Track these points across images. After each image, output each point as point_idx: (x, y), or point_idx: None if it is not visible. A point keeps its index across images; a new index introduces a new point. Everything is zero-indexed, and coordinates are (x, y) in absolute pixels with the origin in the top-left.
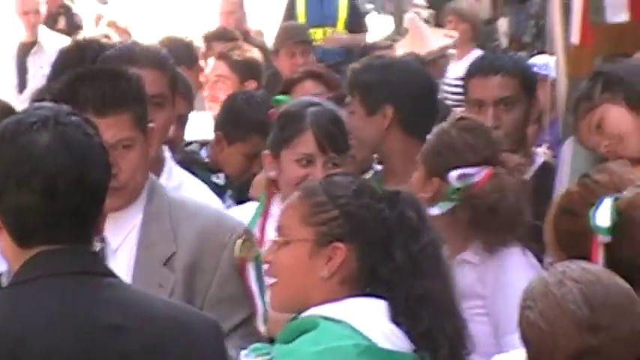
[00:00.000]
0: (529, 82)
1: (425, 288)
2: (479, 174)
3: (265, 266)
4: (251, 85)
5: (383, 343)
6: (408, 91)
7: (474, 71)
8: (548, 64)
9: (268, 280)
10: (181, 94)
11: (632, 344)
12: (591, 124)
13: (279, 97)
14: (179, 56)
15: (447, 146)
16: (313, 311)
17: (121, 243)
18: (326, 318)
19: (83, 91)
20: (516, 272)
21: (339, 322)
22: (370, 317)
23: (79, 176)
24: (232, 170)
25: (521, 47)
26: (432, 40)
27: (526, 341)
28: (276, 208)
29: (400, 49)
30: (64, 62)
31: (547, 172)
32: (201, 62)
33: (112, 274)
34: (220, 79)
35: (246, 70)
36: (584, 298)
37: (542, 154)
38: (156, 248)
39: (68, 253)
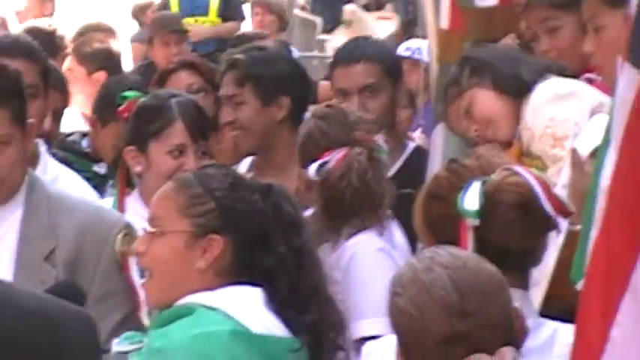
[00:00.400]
0: (393, 68)
1: (312, 280)
2: (333, 159)
3: (136, 259)
4: (100, 76)
5: (259, 329)
6: (302, 83)
7: (337, 60)
8: (421, 47)
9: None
10: (55, 88)
11: (500, 329)
12: (460, 109)
13: (127, 93)
14: (42, 45)
15: (307, 136)
16: (188, 299)
17: (1, 238)
18: (201, 305)
19: None
20: (364, 259)
21: (213, 309)
22: (245, 304)
23: None
24: (110, 154)
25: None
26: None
27: (396, 327)
28: (133, 203)
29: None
30: None
31: (419, 156)
32: None
33: None
34: (69, 72)
35: (94, 61)
36: (452, 284)
37: (417, 139)
38: (36, 243)
39: None
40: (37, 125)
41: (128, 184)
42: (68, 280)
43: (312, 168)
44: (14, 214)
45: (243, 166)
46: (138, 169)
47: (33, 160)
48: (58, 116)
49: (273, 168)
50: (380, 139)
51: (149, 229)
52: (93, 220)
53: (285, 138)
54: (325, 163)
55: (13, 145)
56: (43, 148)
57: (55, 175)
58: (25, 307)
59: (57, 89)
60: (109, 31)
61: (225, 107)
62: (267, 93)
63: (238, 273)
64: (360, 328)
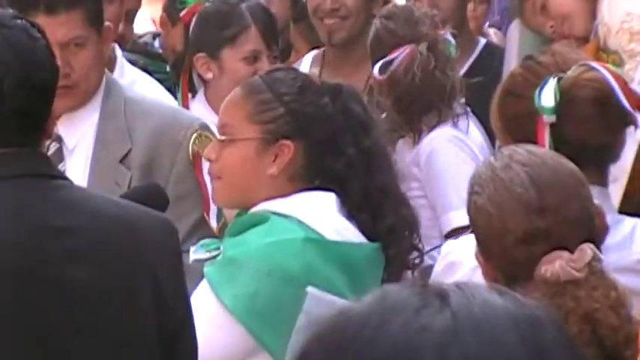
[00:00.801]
0: None
1: (383, 182)
2: (400, 55)
3: (207, 165)
4: None
5: (332, 235)
6: None
7: None
8: None
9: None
10: None
11: (579, 225)
12: (536, 5)
13: None
14: None
15: (375, 37)
16: (262, 206)
17: (78, 142)
18: (275, 213)
19: None
20: (444, 151)
21: (288, 216)
22: (319, 211)
23: (25, 78)
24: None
25: None
26: None
27: (475, 226)
28: (198, 108)
29: None
30: None
31: (490, 53)
32: None
33: (62, 176)
34: None
35: None
36: (531, 181)
37: (492, 35)
38: (112, 146)
39: (16, 155)
40: (112, 29)
41: (190, 88)
42: (152, 183)
43: (376, 67)
44: (91, 117)
45: (306, 62)
46: (209, 75)
47: (110, 64)
48: (131, 19)
49: (352, 63)
50: (447, 33)
51: (219, 136)
52: (168, 122)
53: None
54: (392, 60)
55: (88, 47)
56: (119, 52)
57: (131, 79)
58: (105, 213)
59: None
60: None
61: None
62: None
63: (311, 178)
64: (452, 219)
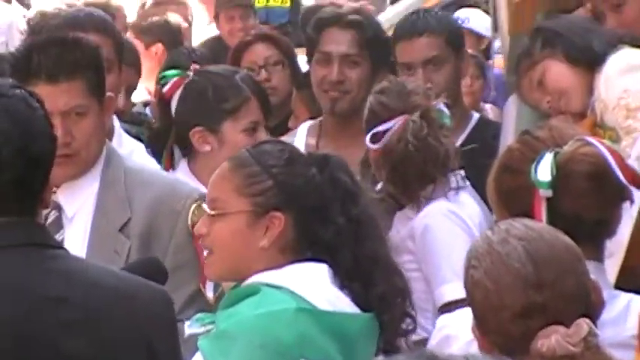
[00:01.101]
0: (455, 38)
1: (372, 250)
2: (394, 126)
3: (199, 239)
4: (158, 47)
5: (325, 306)
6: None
7: (400, 35)
8: (469, 17)
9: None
10: (129, 63)
11: (576, 300)
12: (532, 80)
13: (167, 72)
14: None
15: (369, 112)
16: (255, 279)
17: (77, 211)
18: (267, 284)
19: (37, 58)
20: (439, 226)
21: (280, 287)
22: (311, 281)
23: (23, 147)
24: None
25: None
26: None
27: (472, 300)
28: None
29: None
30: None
31: (484, 127)
32: None
33: (58, 246)
34: None
35: (149, 33)
36: (528, 256)
37: (489, 110)
38: (111, 215)
39: (13, 225)
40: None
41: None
42: (152, 257)
43: (368, 137)
44: (91, 186)
45: (302, 132)
46: (207, 148)
47: (108, 134)
48: (130, 92)
49: (350, 134)
50: (440, 103)
51: (209, 211)
52: (167, 192)
53: None
54: (385, 131)
55: (90, 116)
56: (117, 122)
57: (130, 149)
58: (102, 284)
59: (130, 65)
60: (178, 4)
61: (331, 65)
62: (380, 58)
63: (302, 249)
64: (444, 293)
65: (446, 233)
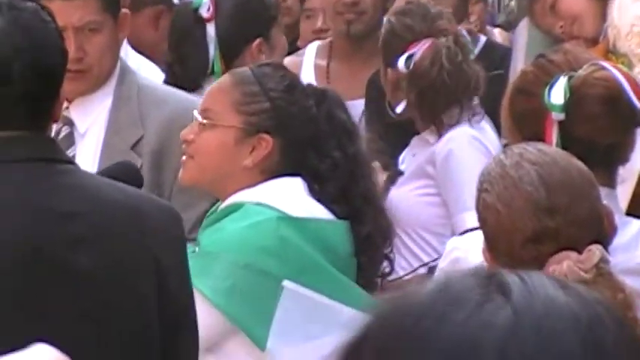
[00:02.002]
0: None
1: (365, 189)
2: (420, 49)
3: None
4: None
5: (302, 214)
6: None
7: None
8: None
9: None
10: None
11: (588, 226)
12: (546, 5)
13: None
14: None
15: (389, 33)
16: (233, 199)
17: (89, 127)
18: (247, 202)
19: None
20: (462, 152)
21: (259, 204)
22: (288, 194)
23: (33, 60)
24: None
25: None
26: None
27: (484, 223)
28: None
29: None
30: None
31: (490, 50)
32: None
33: (68, 161)
34: None
35: None
36: (541, 180)
37: (497, 34)
38: (124, 132)
39: (23, 139)
40: None
41: None
42: (126, 161)
43: (402, 60)
44: (104, 102)
45: (310, 52)
46: (263, 58)
47: None
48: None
49: (362, 56)
50: (462, 29)
51: (201, 119)
52: (181, 111)
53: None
54: (412, 55)
55: (103, 32)
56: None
57: (137, 65)
58: (112, 200)
59: None
60: None
61: None
62: None
63: (283, 173)
64: (466, 219)
65: (469, 160)
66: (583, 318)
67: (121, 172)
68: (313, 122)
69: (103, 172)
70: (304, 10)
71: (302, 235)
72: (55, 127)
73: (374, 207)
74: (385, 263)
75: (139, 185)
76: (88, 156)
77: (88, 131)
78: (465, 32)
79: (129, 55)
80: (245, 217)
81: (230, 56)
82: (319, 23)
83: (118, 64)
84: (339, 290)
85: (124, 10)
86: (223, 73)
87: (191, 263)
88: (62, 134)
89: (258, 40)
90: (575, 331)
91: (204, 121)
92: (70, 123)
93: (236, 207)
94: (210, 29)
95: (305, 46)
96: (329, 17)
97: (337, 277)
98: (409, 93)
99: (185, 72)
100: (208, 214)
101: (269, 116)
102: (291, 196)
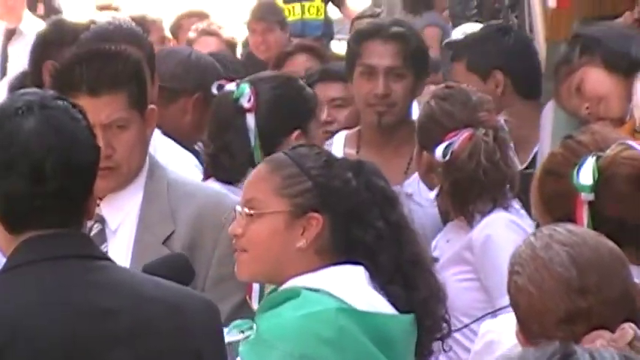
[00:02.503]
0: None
1: (413, 253)
2: (459, 139)
3: (233, 240)
4: None
5: (364, 307)
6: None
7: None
8: None
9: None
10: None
11: (620, 305)
12: (571, 87)
13: (241, 86)
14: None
15: (427, 117)
16: (293, 282)
17: (121, 223)
18: (306, 288)
19: (79, 71)
20: (501, 237)
21: (318, 290)
22: (350, 284)
23: (66, 158)
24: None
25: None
26: None
27: (516, 306)
28: None
29: None
30: (42, 44)
31: None
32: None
33: (104, 257)
34: None
35: None
36: (571, 260)
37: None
38: (155, 228)
39: (59, 237)
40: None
41: None
42: (176, 254)
43: (440, 149)
44: (134, 198)
45: (339, 141)
46: None
47: None
48: None
49: (393, 145)
50: (501, 119)
51: (247, 211)
52: (211, 205)
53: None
54: (450, 144)
55: (131, 129)
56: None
57: (168, 156)
58: (150, 296)
59: None
60: (203, 16)
61: (377, 79)
62: (422, 69)
63: (338, 251)
64: (502, 304)
65: (508, 243)
66: None
67: (169, 266)
68: (355, 193)
69: (150, 266)
70: None
71: (361, 328)
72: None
73: (424, 271)
74: (444, 325)
75: (191, 277)
76: (120, 252)
77: (120, 228)
78: (503, 123)
79: (157, 149)
80: (304, 306)
81: (269, 147)
82: (324, 116)
83: (147, 159)
84: None
85: (151, 106)
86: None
87: (247, 349)
88: (94, 231)
89: (297, 132)
90: None
91: (251, 211)
92: (101, 220)
93: (294, 293)
94: (250, 120)
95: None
96: (360, 108)
97: None
98: (444, 181)
99: (232, 162)
100: (268, 293)
101: (313, 195)
102: (352, 286)
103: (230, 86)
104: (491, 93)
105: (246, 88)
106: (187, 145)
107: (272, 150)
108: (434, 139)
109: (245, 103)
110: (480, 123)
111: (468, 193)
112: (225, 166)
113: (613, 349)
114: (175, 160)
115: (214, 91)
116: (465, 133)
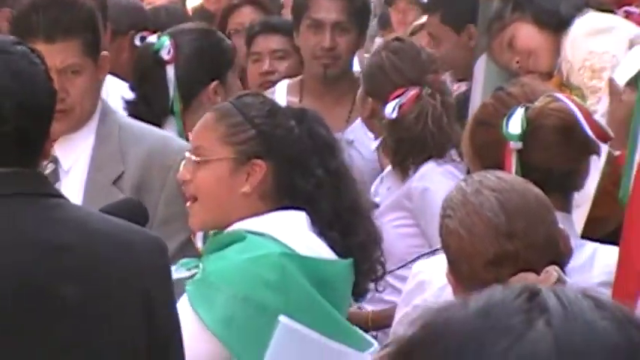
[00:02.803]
0: None
1: (351, 201)
2: (406, 98)
3: (182, 185)
4: None
5: (305, 251)
6: None
7: None
8: None
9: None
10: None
11: (546, 248)
12: (503, 42)
13: (161, 38)
14: None
15: (377, 68)
16: (237, 226)
17: (73, 164)
18: (250, 232)
19: (35, 18)
20: (438, 186)
21: (262, 234)
22: (292, 229)
23: (24, 101)
24: None
25: None
26: None
27: (447, 248)
28: None
29: None
30: None
31: None
32: None
33: (59, 195)
34: None
35: None
36: (500, 206)
37: None
38: (106, 168)
39: (16, 175)
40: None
41: None
42: (131, 198)
43: (389, 107)
44: (87, 140)
45: (281, 90)
46: (219, 100)
47: None
48: None
49: (334, 95)
50: (447, 78)
51: (194, 158)
52: (159, 147)
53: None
54: (398, 102)
55: (85, 75)
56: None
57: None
58: (103, 232)
59: None
60: None
61: (324, 32)
62: (365, 24)
63: (281, 197)
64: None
65: (445, 193)
66: (622, 346)
67: (124, 208)
68: (298, 141)
69: (107, 209)
70: (251, 54)
71: (303, 272)
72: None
73: (362, 217)
74: (379, 268)
75: (145, 220)
76: (72, 192)
77: (72, 168)
78: (448, 82)
79: (109, 93)
80: (248, 249)
81: (188, 98)
82: (265, 66)
83: (100, 104)
84: (336, 329)
85: (104, 53)
86: (181, 113)
87: (193, 289)
88: (47, 171)
89: (214, 83)
90: None
91: (198, 158)
92: (54, 160)
93: (239, 236)
94: (170, 71)
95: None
96: (305, 60)
97: (335, 316)
98: (389, 137)
99: (149, 111)
100: (212, 235)
101: (257, 142)
102: (295, 231)
103: (152, 38)
104: (464, 45)
105: (166, 40)
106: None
107: (190, 101)
108: (380, 91)
109: (165, 55)
110: (427, 83)
111: (410, 151)
112: (142, 114)
113: (580, 294)
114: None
115: (137, 42)
116: (412, 92)
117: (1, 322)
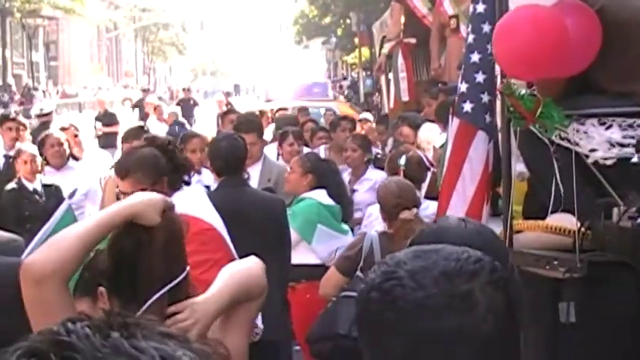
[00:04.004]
0: None
1: (338, 185)
2: None
3: None
4: None
5: (326, 202)
6: None
7: None
8: None
9: None
10: None
11: (414, 201)
12: None
13: None
14: None
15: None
16: (303, 196)
17: None
18: (305, 197)
19: None
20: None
21: (310, 198)
22: (322, 194)
23: None
24: None
25: None
26: None
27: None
28: None
29: None
30: None
31: None
32: None
33: None
34: None
35: None
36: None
37: None
38: None
39: None
40: None
41: None
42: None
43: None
44: None
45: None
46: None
47: None
48: None
49: None
50: None
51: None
52: None
53: None
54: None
55: None
56: None
57: None
58: None
59: None
60: None
61: None
62: None
63: (316, 182)
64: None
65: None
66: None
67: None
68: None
69: None
70: None
71: (326, 208)
72: None
73: (344, 194)
74: (350, 209)
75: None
76: None
77: None
78: None
79: None
80: (305, 202)
81: None
82: None
83: None
84: (337, 228)
85: None
86: None
87: (290, 214)
88: None
89: None
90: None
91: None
92: None
93: (302, 198)
94: None
95: None
96: None
97: (338, 224)
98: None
99: None
100: (295, 199)
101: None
102: (322, 195)
103: None
104: None
105: None
106: None
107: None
108: None
109: None
110: None
111: None
112: None
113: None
114: None
115: None
116: None
117: None
